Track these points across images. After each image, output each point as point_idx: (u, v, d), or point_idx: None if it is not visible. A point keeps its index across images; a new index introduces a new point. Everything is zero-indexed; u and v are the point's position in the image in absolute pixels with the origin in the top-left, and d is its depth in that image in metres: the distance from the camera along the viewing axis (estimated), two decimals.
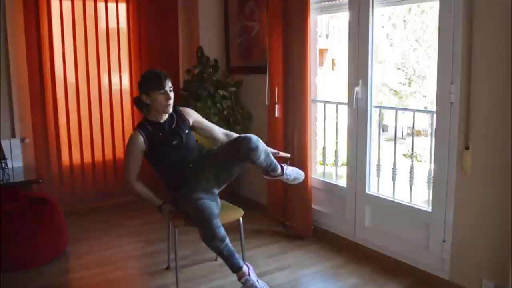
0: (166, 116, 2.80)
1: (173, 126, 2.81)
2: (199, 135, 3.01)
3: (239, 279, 2.59)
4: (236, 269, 2.58)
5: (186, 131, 2.84)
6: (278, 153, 3.01)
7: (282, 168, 2.89)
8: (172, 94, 2.73)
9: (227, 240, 2.54)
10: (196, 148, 2.87)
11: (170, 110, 2.76)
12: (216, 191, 2.87)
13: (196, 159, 2.84)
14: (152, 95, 2.70)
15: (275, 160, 2.84)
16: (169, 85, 2.72)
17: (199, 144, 2.92)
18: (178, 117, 2.85)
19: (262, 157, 2.70)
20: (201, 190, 2.75)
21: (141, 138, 2.73)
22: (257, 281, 2.60)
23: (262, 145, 2.68)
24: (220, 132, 3.02)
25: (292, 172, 2.96)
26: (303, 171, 3.57)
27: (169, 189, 2.88)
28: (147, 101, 2.73)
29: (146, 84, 2.72)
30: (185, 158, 2.79)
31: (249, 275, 2.58)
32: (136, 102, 2.83)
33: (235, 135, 2.99)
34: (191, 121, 2.92)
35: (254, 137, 2.66)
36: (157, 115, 2.77)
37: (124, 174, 2.81)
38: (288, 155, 3.13)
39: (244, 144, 2.64)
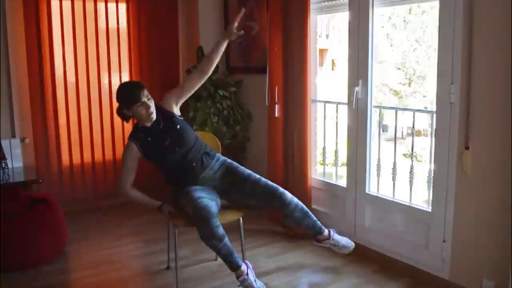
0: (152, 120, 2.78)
1: (161, 126, 2.78)
2: (192, 91, 2.90)
3: (237, 277, 2.59)
4: (234, 267, 2.59)
5: (178, 126, 2.81)
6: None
7: (329, 232, 2.96)
8: (151, 102, 2.71)
9: (226, 239, 2.55)
10: (198, 147, 2.85)
11: (154, 117, 2.74)
12: (220, 196, 2.88)
13: (204, 162, 2.82)
14: (131, 108, 2.70)
15: (318, 222, 2.91)
16: (145, 94, 2.69)
17: (205, 145, 2.91)
18: (162, 115, 2.81)
19: (298, 214, 2.82)
20: (203, 190, 2.76)
21: (134, 147, 2.76)
22: (255, 281, 2.61)
23: (295, 203, 2.82)
24: (195, 73, 2.93)
25: (342, 240, 3.01)
26: (303, 171, 3.60)
27: (172, 187, 2.88)
28: (129, 114, 2.75)
29: (123, 99, 2.73)
30: (185, 156, 2.78)
31: (247, 274, 2.58)
32: (119, 114, 2.81)
33: (207, 60, 2.90)
34: (174, 108, 2.86)
35: (289, 195, 2.82)
36: (143, 122, 2.77)
37: (119, 182, 2.83)
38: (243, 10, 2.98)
39: (279, 197, 2.78)
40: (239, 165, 2.94)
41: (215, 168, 2.87)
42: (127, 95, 2.70)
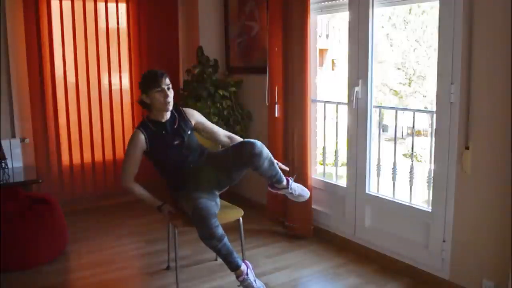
0: (168, 116, 2.81)
1: (175, 126, 2.82)
2: (201, 137, 3.03)
3: (237, 277, 2.60)
4: (234, 267, 2.59)
5: (189, 132, 2.85)
6: (277, 164, 2.97)
7: (288, 181, 2.88)
8: (170, 92, 2.75)
9: (225, 240, 2.55)
10: (198, 149, 2.87)
11: (170, 107, 2.77)
12: (217, 192, 2.88)
13: (198, 160, 2.84)
14: (150, 94, 2.72)
15: (280, 171, 2.82)
16: (166, 82, 2.74)
17: (201, 145, 2.92)
18: (180, 117, 2.87)
19: (266, 164, 2.69)
20: (201, 190, 2.76)
21: (142, 137, 2.74)
22: (255, 281, 2.61)
23: (266, 153, 2.68)
24: (222, 134, 3.03)
25: (298, 188, 2.94)
26: (303, 171, 3.60)
27: (170, 187, 2.88)
28: (147, 101, 2.75)
29: (144, 83, 2.76)
30: (186, 158, 2.80)
31: (247, 274, 2.58)
32: (140, 103, 2.84)
33: (239, 138, 3.01)
34: (193, 122, 2.94)
35: (258, 143, 2.67)
36: (158, 114, 2.78)
37: (122, 174, 2.83)
38: (287, 168, 3.03)
39: (248, 149, 2.64)
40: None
41: (203, 163, 2.87)
42: (148, 79, 2.74)
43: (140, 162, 2.79)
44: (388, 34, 11.12)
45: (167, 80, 2.75)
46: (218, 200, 2.84)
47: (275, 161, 2.80)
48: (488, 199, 2.54)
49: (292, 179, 2.93)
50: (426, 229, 2.92)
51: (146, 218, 4.11)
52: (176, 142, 2.79)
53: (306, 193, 2.97)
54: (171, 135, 2.79)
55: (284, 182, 2.85)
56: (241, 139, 2.97)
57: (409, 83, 11.76)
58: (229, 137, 3.03)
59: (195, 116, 2.97)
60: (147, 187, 2.88)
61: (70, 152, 4.39)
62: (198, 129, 2.98)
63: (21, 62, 4.04)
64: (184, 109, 2.96)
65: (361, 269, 3.14)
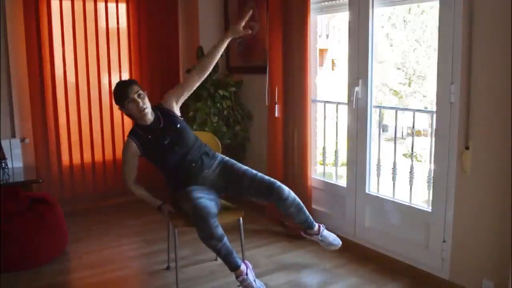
0: (151, 118, 2.77)
1: (161, 125, 2.78)
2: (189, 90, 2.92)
3: (237, 277, 2.60)
4: (233, 267, 2.59)
5: (178, 126, 2.80)
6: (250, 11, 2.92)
7: (319, 228, 2.95)
8: (143, 99, 2.70)
9: (225, 240, 2.55)
10: (197, 146, 2.85)
11: (147, 114, 2.73)
12: (219, 194, 2.88)
13: (205, 162, 2.82)
14: (124, 106, 2.72)
15: (310, 218, 2.91)
16: (134, 90, 2.69)
17: (204, 145, 2.91)
18: (163, 114, 2.81)
19: (292, 210, 2.81)
20: (202, 190, 2.75)
21: (133, 144, 2.75)
22: (254, 281, 2.61)
23: (293, 198, 2.79)
24: (194, 72, 2.90)
25: (329, 236, 3.00)
26: (303, 171, 3.60)
27: (169, 187, 2.88)
28: (125, 112, 2.76)
29: (114, 98, 2.77)
30: (184, 156, 2.78)
31: (246, 274, 2.58)
32: (126, 114, 2.83)
33: (203, 62, 2.89)
34: (174, 107, 2.86)
35: (286, 189, 2.79)
36: (141, 120, 2.77)
37: (122, 177, 2.86)
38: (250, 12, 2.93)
39: (276, 193, 2.76)
40: (236, 162, 2.93)
41: (213, 167, 2.86)
42: (116, 93, 2.75)
43: (137, 166, 2.81)
44: (388, 34, 11.12)
45: (135, 88, 2.70)
46: (218, 200, 2.84)
47: (304, 207, 2.87)
48: (488, 199, 2.55)
49: (324, 226, 3.00)
50: (426, 229, 2.92)
51: (146, 218, 4.11)
52: (166, 142, 2.76)
53: (337, 242, 3.03)
54: (159, 136, 2.76)
55: (316, 228, 2.94)
56: (213, 54, 2.88)
57: (409, 83, 11.76)
58: (201, 67, 2.89)
59: (172, 99, 2.86)
60: (148, 187, 2.89)
61: (70, 152, 4.38)
62: (181, 96, 2.89)
63: (21, 62, 4.04)
64: (162, 101, 2.87)
65: (361, 269, 3.14)
